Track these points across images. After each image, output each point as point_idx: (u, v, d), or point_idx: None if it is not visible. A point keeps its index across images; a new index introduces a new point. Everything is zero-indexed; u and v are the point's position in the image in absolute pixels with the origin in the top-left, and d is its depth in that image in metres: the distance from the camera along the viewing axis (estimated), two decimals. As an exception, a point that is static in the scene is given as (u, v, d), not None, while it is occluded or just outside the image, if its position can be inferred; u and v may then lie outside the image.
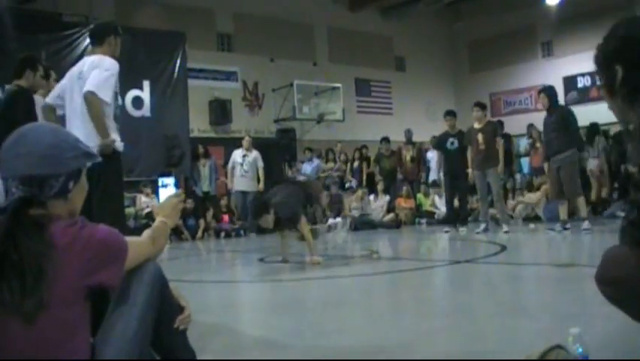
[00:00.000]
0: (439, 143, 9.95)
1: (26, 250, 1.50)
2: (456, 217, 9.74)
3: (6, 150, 1.62)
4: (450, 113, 9.80)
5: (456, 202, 9.91)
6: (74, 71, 3.99)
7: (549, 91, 8.28)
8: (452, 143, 9.55)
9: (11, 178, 1.59)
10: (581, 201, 8.10)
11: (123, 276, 1.74)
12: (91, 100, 3.77)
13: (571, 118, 8.03)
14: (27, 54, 4.89)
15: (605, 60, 1.81)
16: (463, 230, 9.26)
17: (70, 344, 1.55)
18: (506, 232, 8.36)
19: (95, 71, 3.81)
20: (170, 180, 11.82)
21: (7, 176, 1.60)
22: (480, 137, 8.74)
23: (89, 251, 1.57)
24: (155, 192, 11.52)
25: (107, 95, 3.80)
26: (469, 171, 9.15)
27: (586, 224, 7.83)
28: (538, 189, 10.90)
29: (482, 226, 8.85)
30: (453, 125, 9.68)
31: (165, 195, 1.96)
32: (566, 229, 7.99)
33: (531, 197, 10.98)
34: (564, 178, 7.90)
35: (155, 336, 1.80)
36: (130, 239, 1.76)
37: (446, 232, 9.33)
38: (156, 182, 11.80)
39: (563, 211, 8.22)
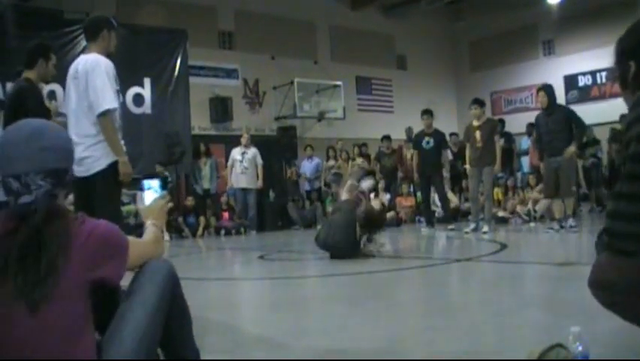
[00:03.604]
0: (415, 142, 9.99)
1: (53, 243, 1.52)
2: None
3: (25, 144, 1.59)
4: (426, 112, 9.84)
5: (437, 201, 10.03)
6: (71, 70, 3.93)
7: (549, 89, 8.18)
8: (428, 142, 9.61)
9: (34, 172, 1.58)
10: (571, 200, 8.12)
11: (134, 275, 1.76)
12: (103, 123, 3.72)
13: (574, 117, 7.98)
14: (39, 42, 4.57)
15: (621, 55, 1.91)
16: (451, 227, 9.30)
17: (73, 340, 1.55)
18: (485, 233, 8.32)
19: (90, 78, 3.73)
20: (155, 183, 11.75)
21: (28, 169, 1.57)
22: (478, 134, 8.70)
23: (90, 246, 1.58)
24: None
25: (112, 101, 3.74)
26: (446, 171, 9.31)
27: (571, 221, 7.87)
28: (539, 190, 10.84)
29: (472, 225, 8.83)
30: (429, 124, 9.73)
31: (150, 197, 1.98)
32: (562, 227, 7.99)
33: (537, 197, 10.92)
34: (562, 177, 7.88)
35: (162, 334, 1.80)
36: (132, 238, 1.78)
37: (424, 230, 9.57)
38: (142, 183, 11.73)
39: (557, 210, 8.20)
